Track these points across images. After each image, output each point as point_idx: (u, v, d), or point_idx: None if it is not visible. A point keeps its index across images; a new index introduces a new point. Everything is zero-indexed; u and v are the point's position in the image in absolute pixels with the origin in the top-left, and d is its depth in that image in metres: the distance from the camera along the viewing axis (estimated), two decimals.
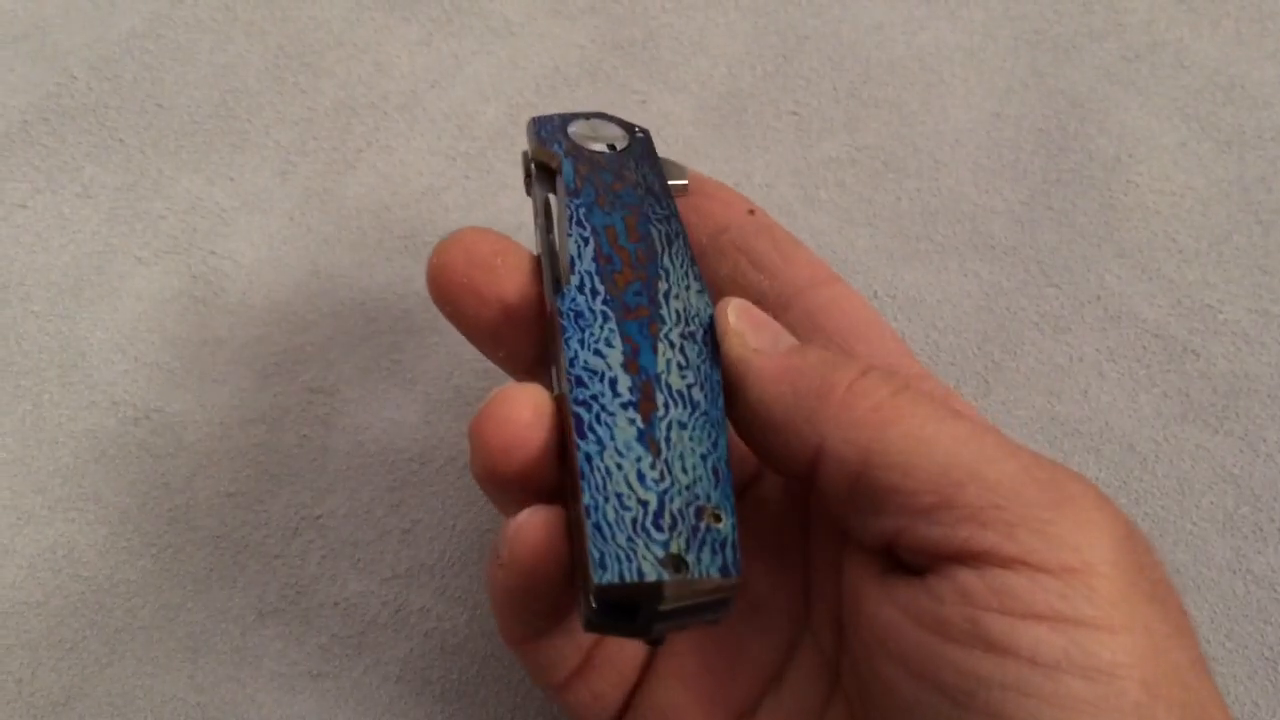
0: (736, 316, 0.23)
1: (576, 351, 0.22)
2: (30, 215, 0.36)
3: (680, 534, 0.20)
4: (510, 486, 0.22)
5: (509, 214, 0.35)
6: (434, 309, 0.34)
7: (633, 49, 0.38)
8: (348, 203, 0.36)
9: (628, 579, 0.19)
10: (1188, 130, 0.36)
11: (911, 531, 0.20)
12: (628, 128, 0.26)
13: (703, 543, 0.20)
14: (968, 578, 0.19)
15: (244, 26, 0.39)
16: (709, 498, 0.20)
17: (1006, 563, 0.19)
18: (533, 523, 0.21)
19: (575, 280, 0.23)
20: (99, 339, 0.34)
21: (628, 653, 0.24)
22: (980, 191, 0.35)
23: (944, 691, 0.19)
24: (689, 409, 0.21)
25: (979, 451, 0.20)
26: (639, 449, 0.21)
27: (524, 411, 0.21)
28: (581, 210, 0.24)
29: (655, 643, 0.21)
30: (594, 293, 0.22)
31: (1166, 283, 0.34)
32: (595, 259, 0.23)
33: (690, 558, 0.20)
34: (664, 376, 0.22)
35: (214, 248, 0.35)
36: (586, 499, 0.20)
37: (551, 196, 0.25)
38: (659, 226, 0.24)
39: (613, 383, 0.21)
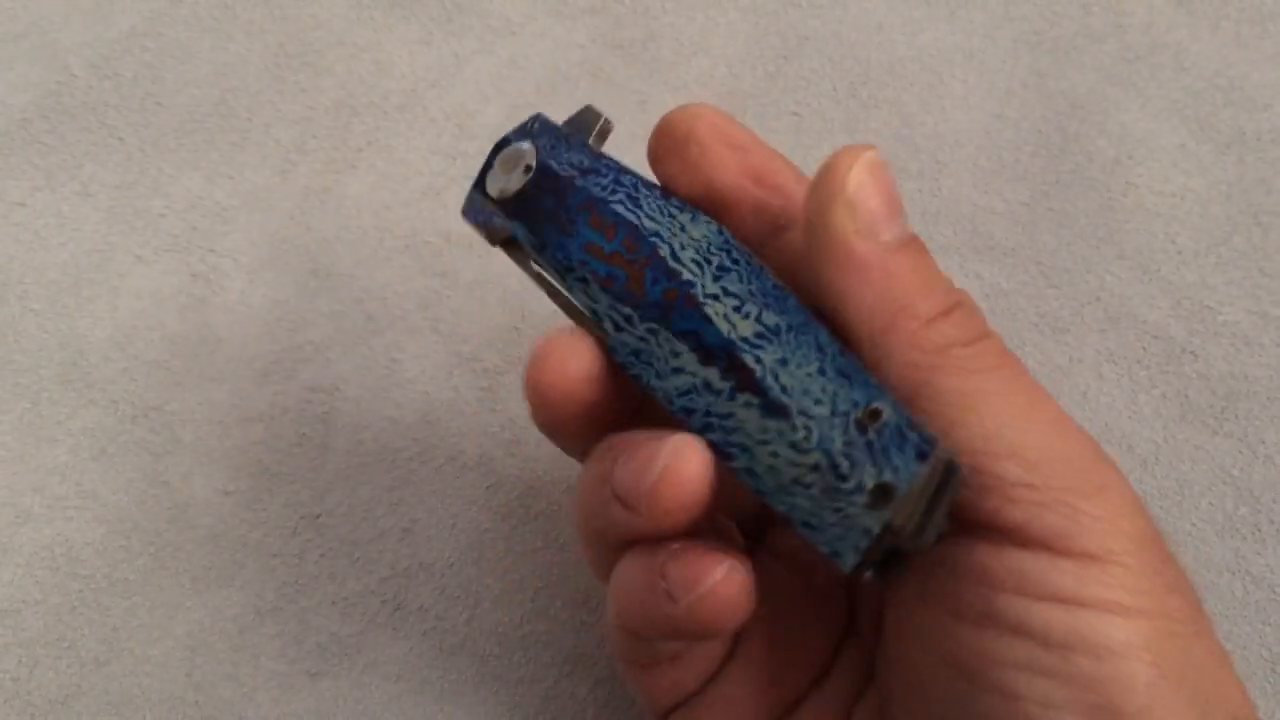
0: (857, 184, 0.20)
1: (663, 389, 0.21)
2: (29, 213, 0.36)
3: (861, 464, 0.19)
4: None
5: None
6: (433, 309, 0.34)
7: (633, 49, 0.38)
8: (348, 202, 0.36)
9: (863, 546, 0.19)
10: (1187, 132, 0.36)
11: None
12: (526, 133, 0.25)
13: (885, 451, 0.19)
14: (986, 558, 0.19)
15: (244, 25, 0.39)
16: (854, 403, 0.19)
17: (1027, 544, 0.19)
18: (731, 582, 0.20)
19: (609, 326, 0.22)
20: (98, 337, 0.34)
21: (715, 650, 0.23)
22: (980, 193, 0.35)
23: (958, 668, 0.19)
24: (774, 340, 0.20)
25: (1029, 425, 0.19)
26: (772, 424, 0.20)
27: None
28: (559, 256, 0.23)
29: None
30: (629, 319, 0.22)
31: (1166, 284, 0.34)
32: (605, 290, 0.22)
33: (888, 477, 0.18)
34: (732, 335, 0.21)
35: (213, 246, 0.35)
36: (780, 507, 0.20)
37: (534, 265, 0.24)
38: (616, 196, 0.23)
39: (707, 386, 0.21)
